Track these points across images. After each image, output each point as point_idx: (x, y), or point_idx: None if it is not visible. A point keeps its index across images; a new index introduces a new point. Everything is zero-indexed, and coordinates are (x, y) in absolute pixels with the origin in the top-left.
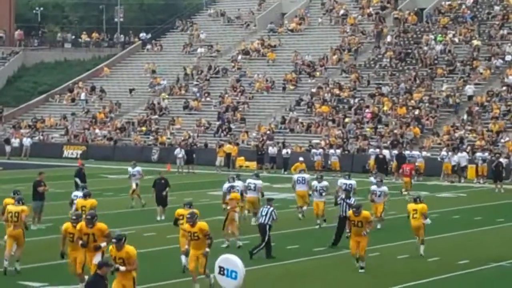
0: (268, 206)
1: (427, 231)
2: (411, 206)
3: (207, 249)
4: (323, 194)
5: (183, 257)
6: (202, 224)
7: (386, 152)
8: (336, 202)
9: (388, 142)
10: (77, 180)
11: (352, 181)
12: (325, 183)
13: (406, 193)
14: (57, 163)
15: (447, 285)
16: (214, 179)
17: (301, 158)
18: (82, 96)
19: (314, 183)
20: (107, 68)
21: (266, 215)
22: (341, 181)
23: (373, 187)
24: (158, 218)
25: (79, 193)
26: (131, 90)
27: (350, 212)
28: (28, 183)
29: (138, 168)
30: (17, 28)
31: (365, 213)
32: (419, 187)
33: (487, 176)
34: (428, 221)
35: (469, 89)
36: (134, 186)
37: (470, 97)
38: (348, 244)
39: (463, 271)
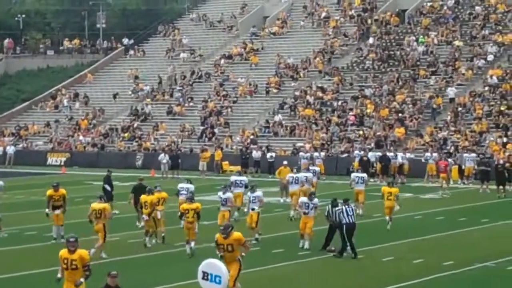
0: (347, 205)
1: (411, 232)
2: (386, 189)
3: (82, 280)
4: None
5: (187, 246)
6: (82, 252)
7: (370, 154)
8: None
9: (372, 144)
10: (107, 186)
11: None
12: (316, 200)
13: (444, 193)
14: (41, 171)
15: (432, 286)
16: (199, 184)
17: (285, 162)
18: (65, 103)
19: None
20: (90, 75)
21: (353, 214)
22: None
23: (303, 199)
24: (139, 224)
25: (188, 185)
26: (115, 95)
27: (217, 235)
28: (13, 191)
29: (1, 183)
30: None
31: (236, 234)
32: (403, 189)
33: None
34: (397, 207)
35: (451, 92)
36: None
37: (451, 99)
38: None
39: (448, 272)
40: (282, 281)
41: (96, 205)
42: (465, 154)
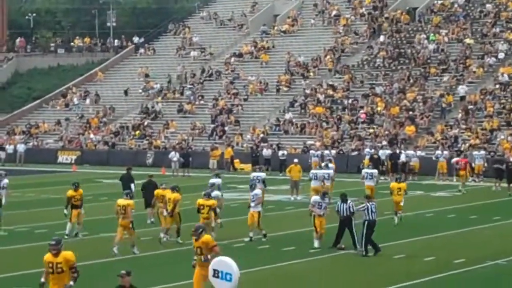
0: (371, 202)
1: (422, 230)
2: (395, 185)
3: (71, 283)
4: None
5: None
6: (67, 254)
7: (381, 152)
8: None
9: (384, 142)
10: (132, 185)
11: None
12: (327, 200)
13: (462, 189)
14: (52, 169)
15: (443, 284)
16: (207, 183)
17: (295, 160)
18: (76, 101)
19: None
20: (100, 73)
21: (376, 211)
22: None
23: (316, 198)
24: (149, 221)
25: (216, 180)
26: (126, 91)
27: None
28: (23, 189)
29: (6, 180)
30: (9, 35)
31: (205, 237)
32: (414, 187)
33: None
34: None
35: (461, 90)
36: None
37: (462, 98)
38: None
39: (460, 270)
40: (293, 279)
41: (122, 201)
42: (474, 152)
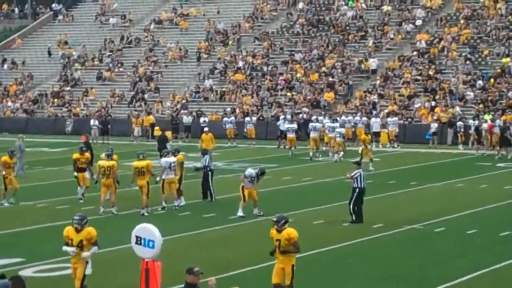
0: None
1: (341, 196)
2: (364, 136)
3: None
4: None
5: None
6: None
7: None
8: None
9: (304, 107)
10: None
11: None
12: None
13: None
14: None
15: (362, 248)
16: (129, 150)
17: (206, 128)
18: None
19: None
20: (19, 40)
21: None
22: None
23: (251, 172)
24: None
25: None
26: (50, 53)
27: None
28: None
29: None
30: None
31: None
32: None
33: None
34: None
35: (373, 63)
36: None
37: (374, 71)
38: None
39: (378, 234)
40: (214, 245)
41: (104, 162)
42: (388, 118)
